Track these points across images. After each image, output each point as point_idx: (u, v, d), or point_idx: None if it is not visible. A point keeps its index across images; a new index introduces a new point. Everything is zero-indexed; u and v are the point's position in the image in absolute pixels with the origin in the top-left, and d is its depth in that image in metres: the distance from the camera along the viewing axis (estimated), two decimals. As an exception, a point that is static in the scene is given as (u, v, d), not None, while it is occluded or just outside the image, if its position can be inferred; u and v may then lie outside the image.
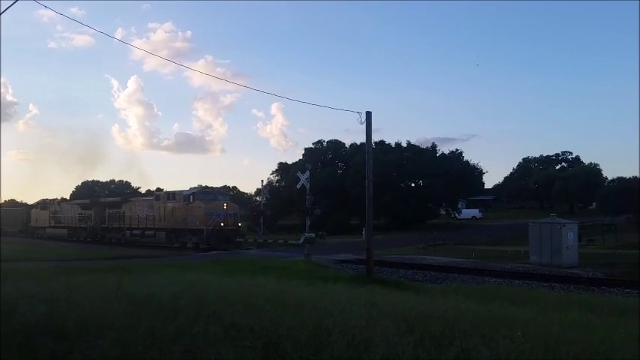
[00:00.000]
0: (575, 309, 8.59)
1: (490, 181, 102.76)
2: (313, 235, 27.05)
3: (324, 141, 72.99)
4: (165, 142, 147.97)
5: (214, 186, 63.91)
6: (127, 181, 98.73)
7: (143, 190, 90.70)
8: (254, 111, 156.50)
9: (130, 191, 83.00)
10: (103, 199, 50.95)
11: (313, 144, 73.56)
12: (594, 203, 76.69)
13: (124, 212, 43.66)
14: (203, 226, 35.09)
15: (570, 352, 4.34)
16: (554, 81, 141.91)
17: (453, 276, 21.58)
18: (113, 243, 42.99)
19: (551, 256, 25.68)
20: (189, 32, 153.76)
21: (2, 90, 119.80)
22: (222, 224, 35.64)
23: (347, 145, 71.68)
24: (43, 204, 57.08)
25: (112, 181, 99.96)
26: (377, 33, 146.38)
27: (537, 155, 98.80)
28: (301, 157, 71.86)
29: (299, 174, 29.48)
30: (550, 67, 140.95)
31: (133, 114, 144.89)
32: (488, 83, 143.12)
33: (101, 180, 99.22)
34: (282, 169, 72.46)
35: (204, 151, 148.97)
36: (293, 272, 18.23)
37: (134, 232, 41.74)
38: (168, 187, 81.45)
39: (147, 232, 40.36)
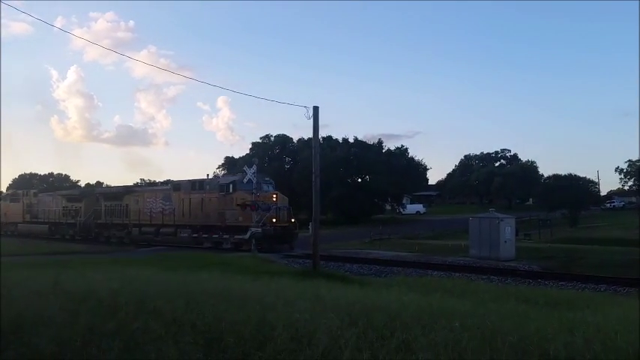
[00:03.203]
0: (512, 300, 8.92)
1: (434, 177, 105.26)
2: (260, 229, 26.92)
3: (271, 135, 72.76)
4: (106, 135, 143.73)
5: (160, 180, 62.30)
6: (66, 175, 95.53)
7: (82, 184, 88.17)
8: (199, 104, 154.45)
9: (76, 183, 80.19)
10: (98, 190, 44.32)
11: (260, 138, 73.23)
12: (531, 199, 79.77)
13: (127, 205, 37.09)
14: (249, 223, 28.53)
15: (506, 341, 4.49)
16: (494, 80, 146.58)
17: (397, 269, 22.00)
18: (113, 242, 36.61)
19: (489, 250, 26.54)
20: (131, 22, 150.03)
21: None
22: (274, 220, 28.80)
23: (295, 140, 71.71)
24: (14, 195, 49.92)
25: (51, 174, 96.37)
26: (324, 29, 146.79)
27: (478, 153, 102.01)
28: (248, 152, 71.40)
29: (246, 168, 29.22)
30: (490, 67, 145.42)
31: (72, 105, 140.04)
32: (432, 81, 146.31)
33: (40, 173, 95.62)
34: (229, 163, 71.78)
35: (147, 143, 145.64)
36: (238, 267, 18.10)
37: (144, 229, 35.31)
38: (109, 181, 79.25)
39: (163, 230, 33.94)
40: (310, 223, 21.38)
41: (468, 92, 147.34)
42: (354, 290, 9.88)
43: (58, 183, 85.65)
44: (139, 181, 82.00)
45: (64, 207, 42.77)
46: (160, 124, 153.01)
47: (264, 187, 30.55)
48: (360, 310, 6.01)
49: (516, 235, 30.21)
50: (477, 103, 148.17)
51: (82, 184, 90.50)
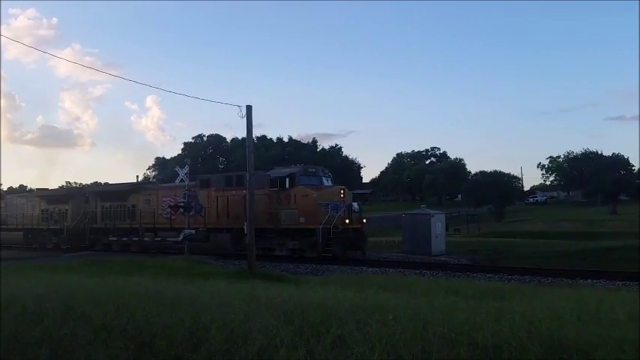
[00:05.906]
0: (442, 293, 9.19)
1: (367, 175, 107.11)
2: (193, 232, 26.35)
3: (204, 135, 71.88)
4: (29, 136, 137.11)
5: (85, 182, 59.86)
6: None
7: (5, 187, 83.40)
8: (127, 103, 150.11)
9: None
10: (90, 189, 37.87)
11: (193, 138, 72.26)
12: (460, 195, 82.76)
13: (133, 206, 31.69)
14: (316, 225, 23.16)
15: (436, 332, 4.62)
16: (425, 79, 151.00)
17: (333, 267, 22.12)
18: (116, 251, 30.72)
19: (422, 245, 27.30)
20: (54, 19, 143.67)
21: None
22: (347, 221, 23.92)
23: (228, 140, 70.98)
24: None
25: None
26: (257, 29, 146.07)
27: (410, 151, 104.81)
28: (180, 152, 70.02)
29: (177, 169, 28.43)
30: (420, 66, 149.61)
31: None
32: (365, 80, 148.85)
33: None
34: (160, 164, 70.22)
35: (72, 145, 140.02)
36: (171, 270, 17.64)
37: (162, 233, 29.63)
38: (34, 184, 75.41)
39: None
40: (245, 223, 21.20)
41: (400, 91, 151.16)
42: (290, 289, 9.88)
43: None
44: (65, 183, 78.60)
45: (43, 210, 36.68)
46: (86, 124, 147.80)
47: (324, 180, 25.92)
48: (295, 307, 6.02)
49: (446, 230, 31.27)
50: (409, 101, 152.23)
51: (5, 187, 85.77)
